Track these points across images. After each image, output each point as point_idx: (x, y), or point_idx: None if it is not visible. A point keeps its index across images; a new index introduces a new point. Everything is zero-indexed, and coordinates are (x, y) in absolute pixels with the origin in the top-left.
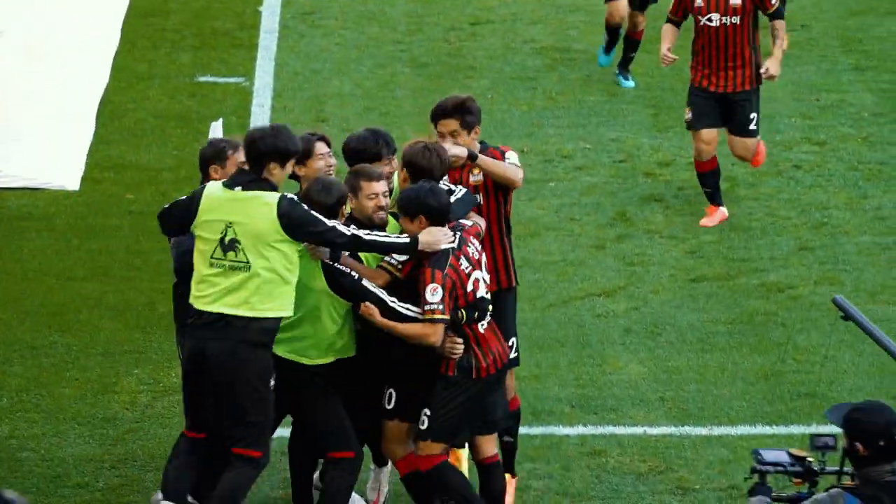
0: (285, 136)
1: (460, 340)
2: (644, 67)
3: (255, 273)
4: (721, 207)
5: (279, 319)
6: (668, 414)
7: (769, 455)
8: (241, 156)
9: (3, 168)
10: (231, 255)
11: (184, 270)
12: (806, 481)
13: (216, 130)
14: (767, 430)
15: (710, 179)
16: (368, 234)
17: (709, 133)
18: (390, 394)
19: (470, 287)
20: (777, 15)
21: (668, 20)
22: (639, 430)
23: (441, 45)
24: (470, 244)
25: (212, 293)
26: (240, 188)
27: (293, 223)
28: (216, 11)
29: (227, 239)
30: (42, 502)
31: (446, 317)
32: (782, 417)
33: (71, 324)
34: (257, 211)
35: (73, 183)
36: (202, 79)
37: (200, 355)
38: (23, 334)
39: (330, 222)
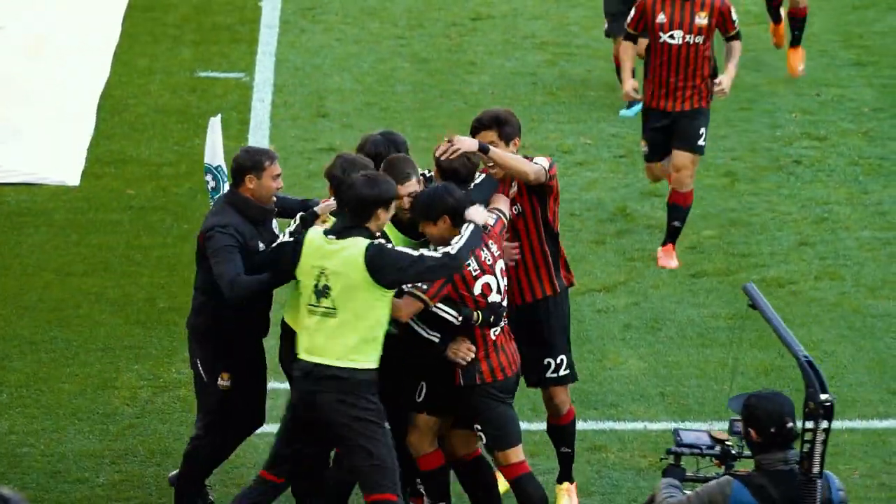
0: (387, 183)
1: (473, 348)
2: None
3: (345, 320)
4: (674, 254)
5: (374, 370)
6: (668, 409)
7: (688, 437)
8: (277, 168)
9: (3, 163)
10: (324, 301)
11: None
12: (723, 464)
13: (215, 126)
14: None
15: (678, 213)
16: (444, 247)
17: (663, 166)
18: (422, 387)
19: (477, 290)
20: (736, 37)
21: (626, 35)
22: (639, 425)
23: (442, 41)
24: (484, 248)
25: (311, 343)
26: (333, 236)
27: (379, 268)
28: (217, 6)
29: (320, 285)
30: (42, 498)
31: (427, 302)
32: None
33: (70, 319)
34: (348, 258)
35: (73, 178)
36: (203, 74)
37: (310, 405)
38: (22, 330)
39: (415, 253)
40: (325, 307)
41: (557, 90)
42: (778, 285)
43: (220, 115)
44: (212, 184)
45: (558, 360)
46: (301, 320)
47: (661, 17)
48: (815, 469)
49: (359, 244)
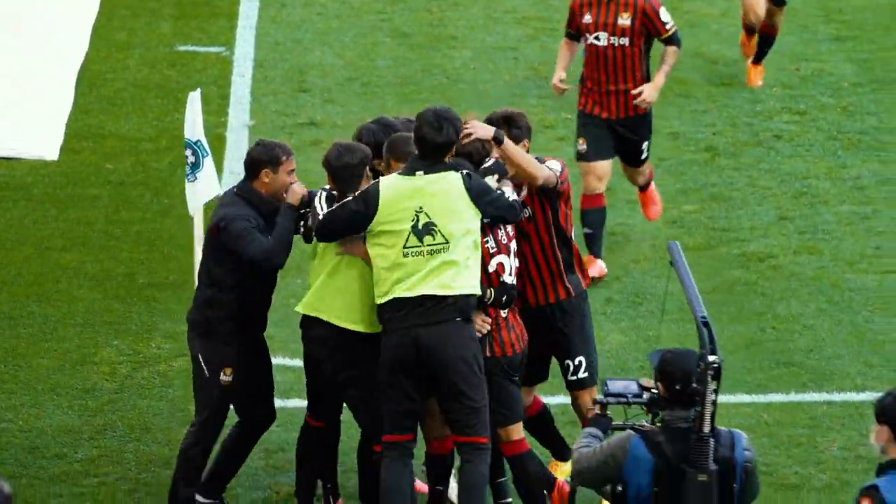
0: (455, 124)
1: (489, 319)
2: None
3: (455, 251)
4: (599, 261)
5: (476, 296)
6: None
7: (615, 386)
8: (293, 163)
9: None
10: (428, 238)
11: (268, 264)
12: (650, 412)
13: (195, 101)
14: (746, 398)
15: (594, 217)
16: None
17: (603, 166)
18: None
19: (492, 268)
20: (671, 41)
21: (565, 34)
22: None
23: (423, 15)
24: (500, 227)
25: (412, 280)
26: (421, 172)
27: (479, 194)
28: None
29: (420, 224)
30: (20, 473)
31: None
32: (761, 386)
33: (49, 294)
34: (447, 189)
35: (51, 153)
36: (182, 48)
37: (412, 346)
38: (0, 305)
39: (495, 185)
40: (433, 244)
41: (539, 65)
42: (758, 259)
43: (199, 90)
44: (191, 159)
45: (576, 363)
46: (388, 266)
47: (587, 18)
48: (706, 428)
49: (451, 174)
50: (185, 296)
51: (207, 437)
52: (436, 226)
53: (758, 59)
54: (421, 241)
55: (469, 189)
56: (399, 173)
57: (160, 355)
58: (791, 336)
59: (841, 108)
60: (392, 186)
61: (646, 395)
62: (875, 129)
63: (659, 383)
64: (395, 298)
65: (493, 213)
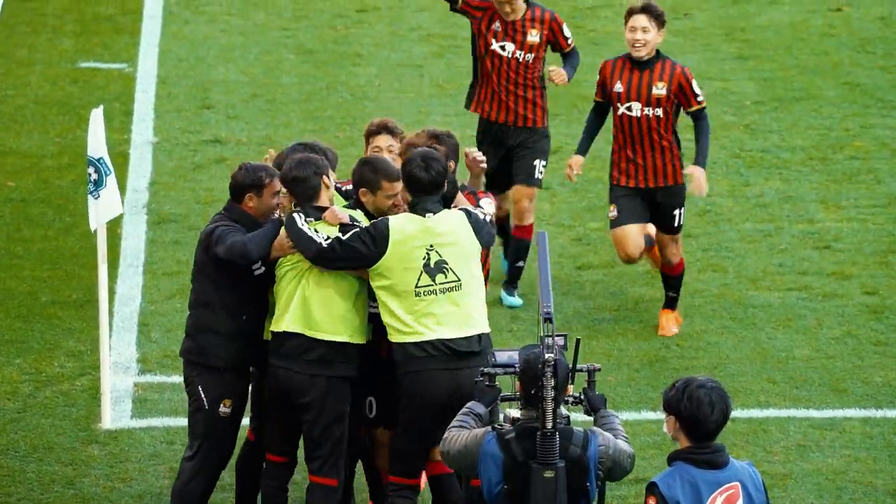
0: (442, 164)
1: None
2: None
3: (468, 287)
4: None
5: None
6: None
7: (501, 356)
8: (277, 184)
9: None
10: (440, 276)
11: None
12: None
13: (97, 118)
14: (652, 415)
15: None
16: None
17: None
18: (370, 402)
19: None
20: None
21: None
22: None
23: (328, 32)
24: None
25: (429, 323)
26: (431, 214)
27: (477, 228)
28: None
29: (432, 263)
30: None
31: None
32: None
33: None
34: (455, 226)
35: None
36: (84, 64)
37: (445, 388)
38: None
39: (479, 211)
40: (445, 283)
41: (444, 82)
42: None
43: (102, 107)
44: (94, 176)
45: None
46: (402, 308)
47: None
48: (549, 424)
49: (454, 212)
50: (89, 314)
51: (207, 467)
52: (447, 263)
53: (670, 305)
54: (433, 279)
55: (473, 225)
56: (408, 212)
57: (63, 374)
58: (695, 353)
59: (743, 126)
60: (406, 225)
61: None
62: (777, 147)
63: (518, 382)
64: (419, 342)
65: (485, 245)
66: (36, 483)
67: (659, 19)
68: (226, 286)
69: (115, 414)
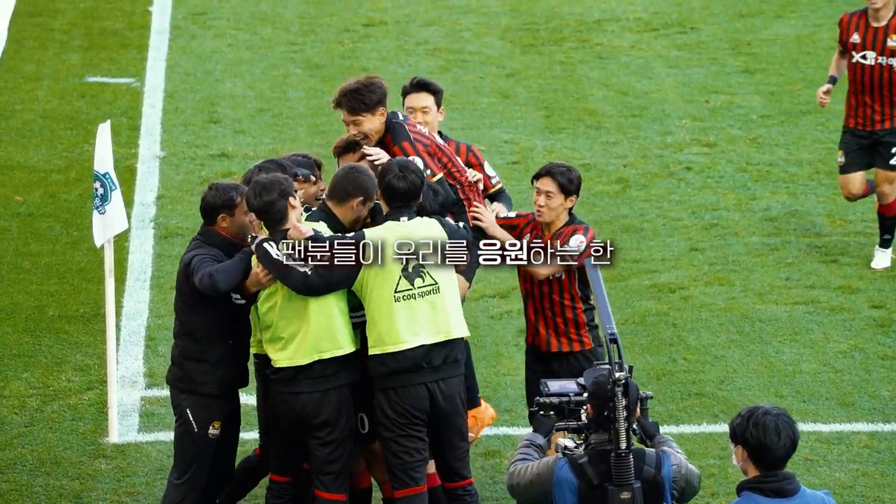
0: (418, 174)
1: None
2: (536, 70)
3: (444, 291)
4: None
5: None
6: None
7: (554, 386)
8: None
9: None
10: (418, 281)
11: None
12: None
13: (104, 133)
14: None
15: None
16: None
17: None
18: (361, 418)
19: None
20: None
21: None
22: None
23: (334, 47)
24: None
25: (410, 328)
26: (405, 219)
27: (451, 234)
28: (105, 12)
29: (409, 267)
30: None
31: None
32: (673, 417)
33: None
34: (430, 231)
35: None
36: (92, 79)
37: (427, 397)
38: None
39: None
40: (423, 287)
41: (450, 96)
42: (669, 290)
43: (109, 122)
44: (100, 191)
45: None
46: (380, 316)
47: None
48: (622, 445)
49: (429, 219)
50: (96, 328)
51: (195, 489)
52: (424, 267)
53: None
54: (412, 283)
55: (448, 231)
56: (385, 219)
57: (70, 388)
58: (702, 367)
59: (750, 140)
60: (388, 233)
61: (586, 395)
62: (784, 161)
63: (588, 405)
64: (399, 352)
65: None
66: (43, 497)
67: None
68: (208, 314)
69: (122, 428)
